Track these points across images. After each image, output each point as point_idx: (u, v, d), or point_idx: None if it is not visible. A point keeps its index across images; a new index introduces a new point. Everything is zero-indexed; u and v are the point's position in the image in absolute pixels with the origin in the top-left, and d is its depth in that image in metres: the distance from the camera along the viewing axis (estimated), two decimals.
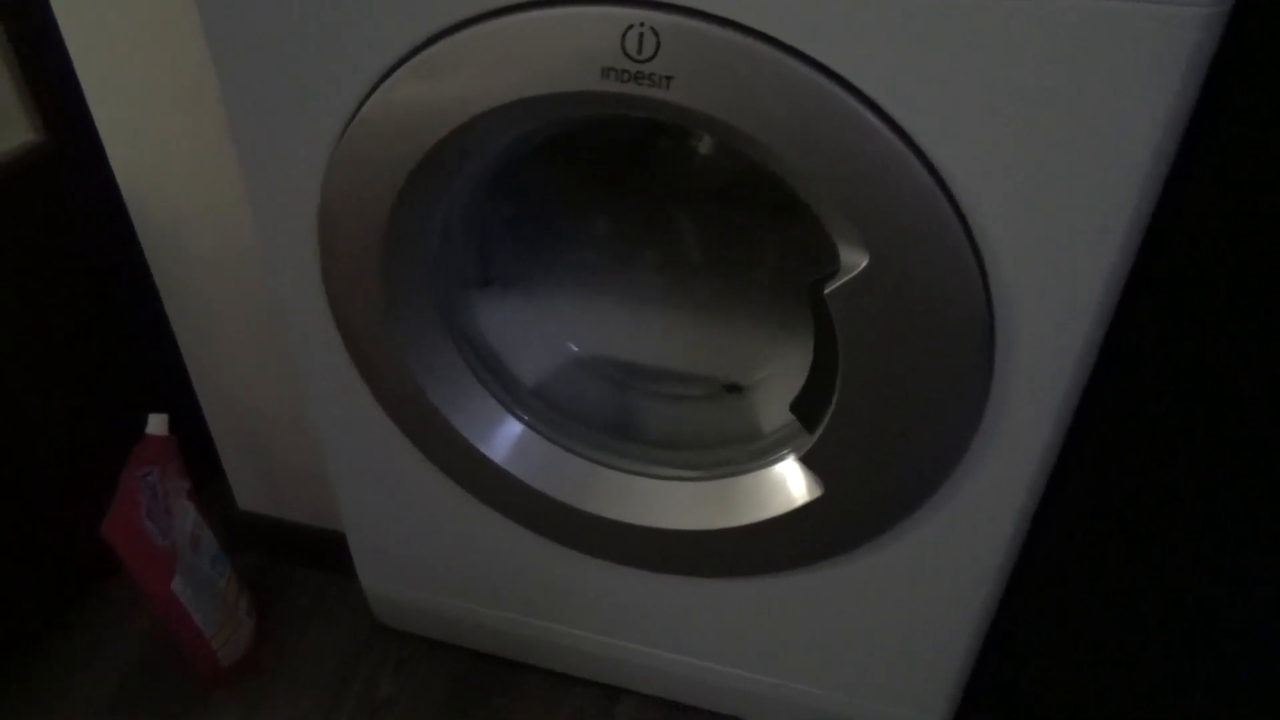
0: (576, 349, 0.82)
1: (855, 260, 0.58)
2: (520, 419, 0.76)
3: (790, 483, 0.70)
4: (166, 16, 0.76)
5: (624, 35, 0.54)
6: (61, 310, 0.97)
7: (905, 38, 0.50)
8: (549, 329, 0.81)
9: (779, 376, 0.77)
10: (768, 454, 0.72)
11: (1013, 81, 0.50)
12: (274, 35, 0.61)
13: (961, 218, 0.55)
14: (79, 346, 1.00)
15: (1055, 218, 0.54)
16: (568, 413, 0.78)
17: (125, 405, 1.02)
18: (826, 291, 0.59)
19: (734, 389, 0.80)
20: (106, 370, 1.04)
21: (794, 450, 0.70)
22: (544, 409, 0.78)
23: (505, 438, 0.76)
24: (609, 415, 0.80)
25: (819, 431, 0.66)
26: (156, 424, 0.91)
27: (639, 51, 0.54)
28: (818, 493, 0.69)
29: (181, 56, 0.78)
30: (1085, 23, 0.48)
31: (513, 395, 0.77)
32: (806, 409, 0.68)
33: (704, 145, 0.75)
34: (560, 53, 0.55)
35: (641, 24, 0.53)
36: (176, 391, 1.04)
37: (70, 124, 0.89)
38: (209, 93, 0.79)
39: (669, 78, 0.54)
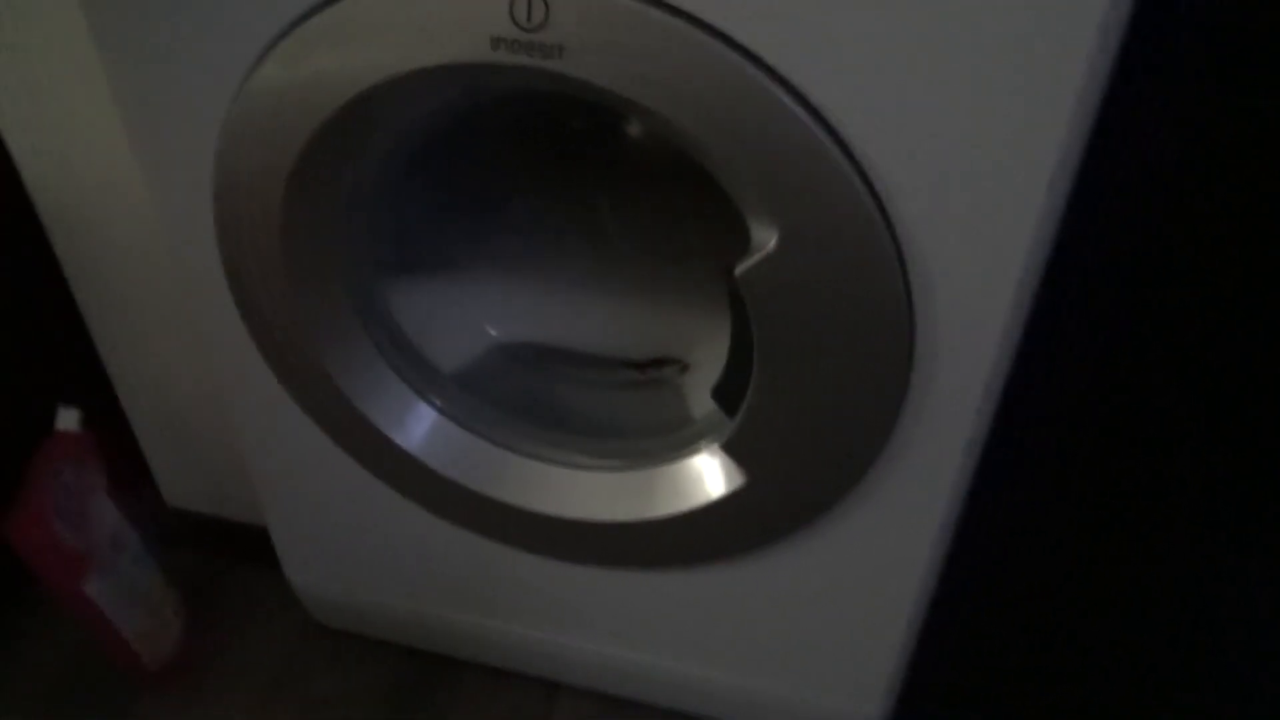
0: (495, 333, 0.79)
1: (765, 238, 0.55)
2: (434, 406, 0.74)
3: (711, 472, 0.68)
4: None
5: (512, 2, 0.51)
6: None
7: (811, 6, 0.47)
8: (467, 313, 0.78)
9: (704, 363, 0.75)
10: (689, 443, 0.70)
11: (922, 47, 0.48)
12: (155, 8, 0.58)
13: (873, 192, 0.52)
14: None
15: (971, 188, 0.51)
16: (486, 400, 0.76)
17: (42, 403, 0.98)
18: (737, 271, 0.56)
19: (654, 366, 0.78)
20: (19, 367, 1.00)
21: (716, 439, 0.68)
22: (460, 396, 0.75)
23: (418, 425, 0.73)
24: (529, 403, 0.77)
25: (738, 418, 0.64)
26: (66, 419, 0.87)
27: (528, 19, 0.51)
28: (740, 482, 0.66)
29: (76, 37, 0.75)
30: None
31: (427, 382, 0.74)
32: (727, 395, 0.66)
33: (628, 121, 0.73)
34: (449, 21, 0.53)
35: None
36: (100, 388, 1.00)
37: None
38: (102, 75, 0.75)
39: (560, 47, 0.51)
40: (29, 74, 0.78)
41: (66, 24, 0.74)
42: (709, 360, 0.72)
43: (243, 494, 1.03)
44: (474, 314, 0.79)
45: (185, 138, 0.63)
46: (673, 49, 0.50)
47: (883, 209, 0.53)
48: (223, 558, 1.10)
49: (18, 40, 0.76)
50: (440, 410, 0.74)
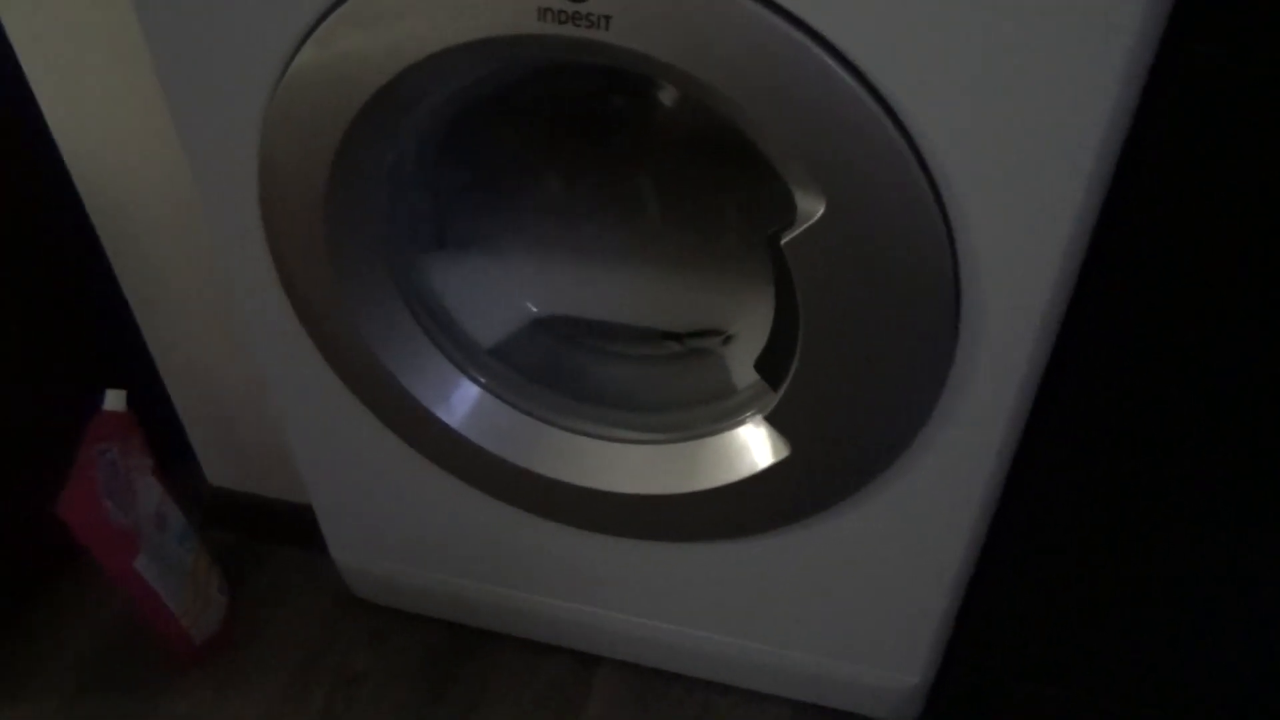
0: (535, 309, 0.79)
1: (812, 208, 0.55)
2: (477, 382, 0.74)
3: (756, 444, 0.68)
4: None
5: None
6: (11, 290, 0.95)
7: None
8: (507, 289, 0.79)
9: (746, 334, 0.75)
10: (733, 415, 0.70)
11: (970, 16, 0.47)
12: None
13: (921, 161, 0.52)
14: (33, 326, 0.98)
15: (1019, 159, 0.51)
16: (527, 375, 0.76)
17: (87, 385, 1.00)
18: (783, 241, 0.56)
19: (696, 337, 0.78)
20: (64, 350, 1.02)
21: (760, 410, 0.68)
22: (502, 371, 0.75)
23: (461, 401, 0.74)
24: (570, 377, 0.77)
25: (783, 390, 0.64)
26: (114, 400, 0.89)
27: None
28: (784, 453, 0.66)
29: (118, 26, 0.75)
30: None
31: (469, 358, 0.74)
32: (771, 367, 0.66)
33: (663, 95, 0.73)
34: None
35: None
36: (143, 369, 1.01)
37: (12, 105, 0.85)
38: (147, 58, 0.76)
39: (607, 17, 0.51)
40: (71, 61, 0.79)
41: (107, 8, 0.74)
42: (751, 330, 0.72)
43: (282, 473, 1.04)
44: (514, 290, 0.79)
45: (230, 121, 0.63)
46: (721, 17, 0.50)
47: (930, 177, 0.53)
48: (261, 536, 1.11)
49: (59, 25, 0.77)
50: (483, 386, 0.74)
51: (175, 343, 0.98)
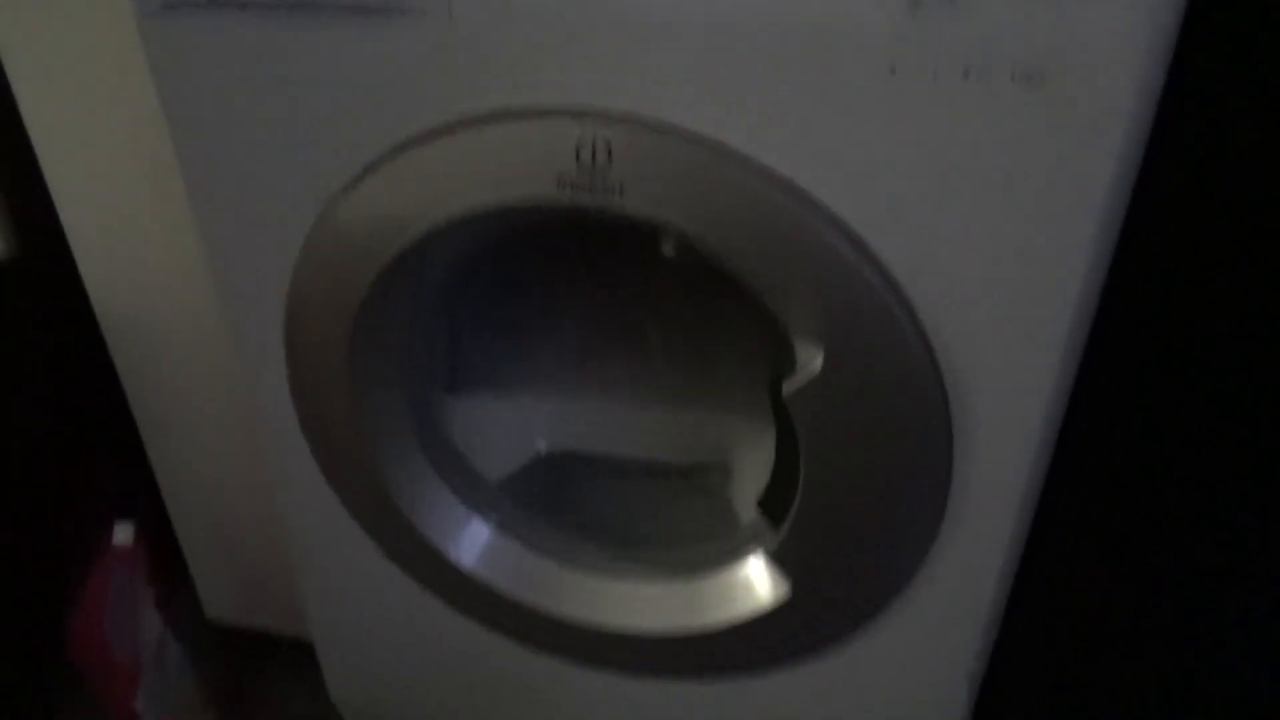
0: (543, 444, 0.82)
1: (811, 359, 0.58)
2: (486, 520, 0.76)
3: (759, 580, 0.70)
4: (136, 126, 0.78)
5: (577, 146, 0.55)
6: (26, 417, 0.97)
7: (850, 142, 0.52)
8: (515, 425, 0.81)
9: (748, 469, 0.77)
10: (736, 551, 0.72)
11: (953, 181, 0.52)
12: (241, 143, 0.62)
13: (914, 318, 0.56)
14: (44, 453, 1.00)
15: (1001, 305, 0.55)
16: (535, 512, 0.78)
17: (93, 510, 1.01)
18: (784, 391, 0.60)
19: (699, 472, 0.80)
20: (72, 475, 1.03)
21: (762, 547, 0.70)
22: (510, 508, 0.77)
23: (469, 539, 0.75)
24: (577, 513, 0.79)
25: (785, 527, 0.66)
26: (123, 534, 0.90)
27: (592, 161, 0.55)
28: (788, 590, 0.68)
29: (151, 164, 0.80)
30: (1018, 125, 0.49)
31: (479, 495, 0.76)
32: (773, 504, 0.68)
33: (671, 244, 0.77)
34: (517, 164, 0.57)
35: (594, 135, 0.55)
36: (144, 496, 1.02)
37: (40, 233, 0.90)
38: (178, 199, 0.80)
39: (621, 185, 0.56)
40: (98, 181, 0.83)
41: (137, 130, 0.79)
42: (753, 465, 0.75)
43: (280, 605, 1.04)
44: (522, 426, 0.82)
45: (262, 266, 0.67)
46: (727, 187, 0.54)
47: (922, 332, 0.56)
48: (257, 669, 1.10)
49: (95, 154, 0.81)
50: (491, 524, 0.76)
51: (183, 470, 0.99)
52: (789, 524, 0.66)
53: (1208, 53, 0.50)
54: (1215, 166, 0.53)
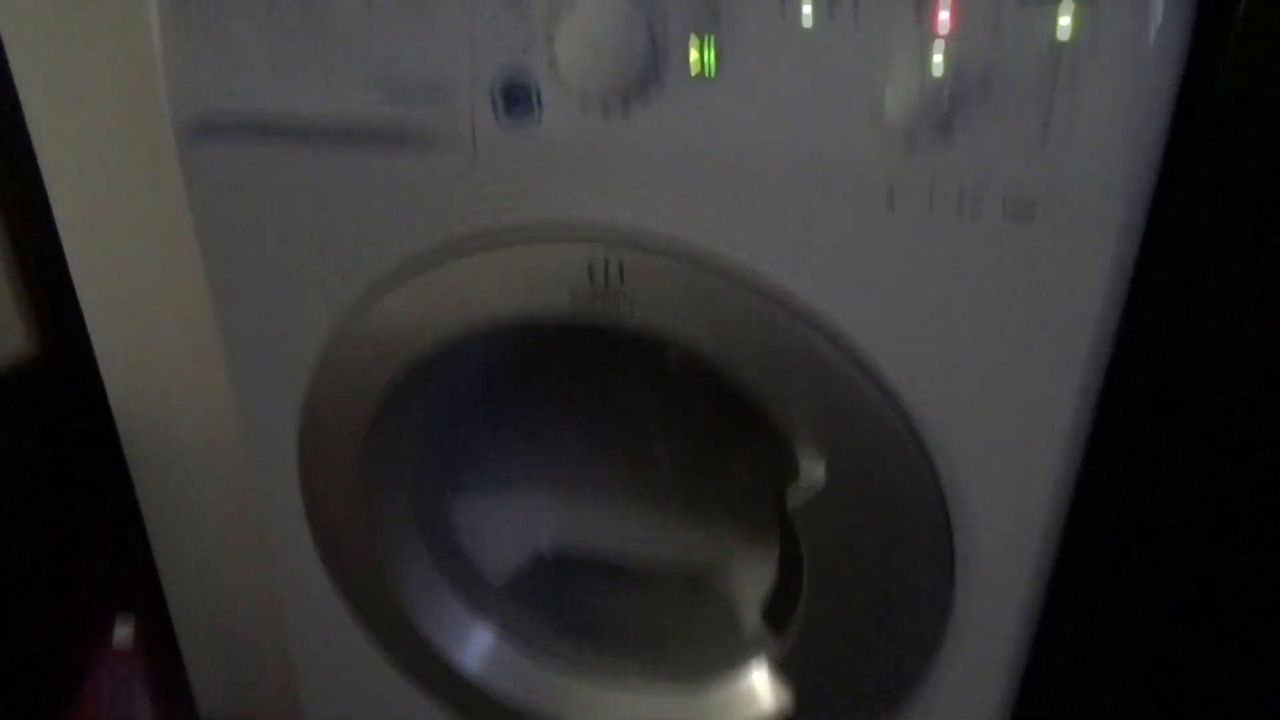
0: (548, 546, 0.83)
1: (815, 472, 0.60)
2: (489, 624, 0.76)
3: (763, 690, 0.70)
4: (164, 232, 0.81)
5: (590, 265, 0.58)
6: (37, 508, 0.98)
7: (850, 262, 0.55)
8: (520, 526, 0.82)
9: (750, 578, 0.78)
10: (739, 659, 0.72)
11: (950, 301, 0.54)
12: (265, 255, 0.65)
13: (912, 429, 0.58)
14: (50, 544, 1.00)
15: (1000, 422, 0.57)
16: (538, 615, 0.78)
17: (94, 601, 1.01)
18: (788, 503, 0.61)
19: (704, 579, 0.81)
20: (76, 567, 1.03)
21: (765, 656, 0.70)
22: (514, 611, 0.78)
23: (475, 645, 0.75)
24: (582, 619, 0.79)
25: (789, 638, 0.66)
26: (122, 632, 0.90)
27: (605, 279, 0.58)
28: (791, 701, 0.68)
29: (177, 270, 0.83)
30: (1011, 250, 0.52)
31: (482, 598, 0.77)
32: (775, 613, 0.69)
33: (679, 355, 0.79)
34: (534, 280, 0.60)
35: (607, 254, 0.58)
36: (145, 589, 1.02)
37: (64, 331, 0.92)
38: (201, 304, 0.83)
39: (633, 301, 0.58)
40: (124, 284, 0.85)
41: (164, 236, 0.82)
42: (756, 573, 0.76)
43: (274, 704, 1.03)
44: (527, 527, 0.83)
45: (280, 370, 0.69)
46: (736, 306, 0.57)
47: (921, 444, 0.58)
48: None
49: (117, 248, 0.84)
50: (494, 628, 0.76)
51: (187, 567, 1.00)
52: (793, 633, 0.66)
53: (1191, 184, 0.53)
54: (1200, 287, 0.56)
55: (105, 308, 0.87)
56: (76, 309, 0.88)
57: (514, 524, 0.83)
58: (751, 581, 0.77)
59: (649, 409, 0.81)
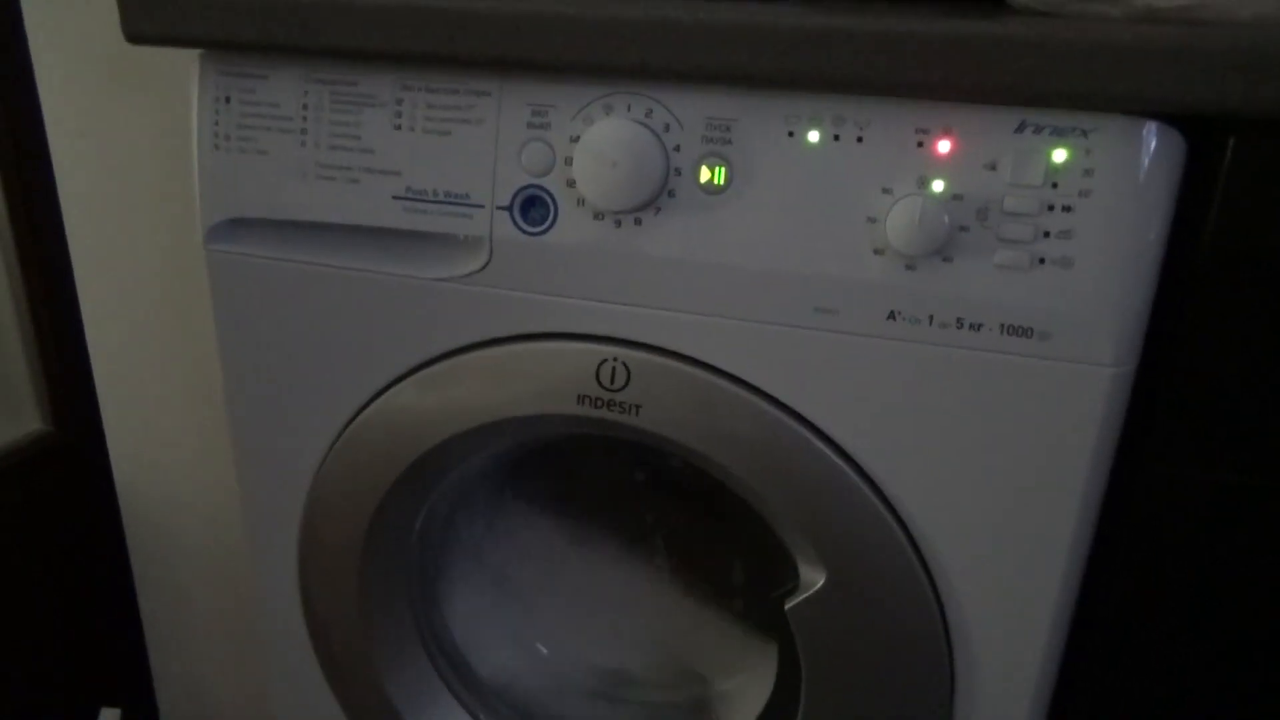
0: (546, 651, 0.82)
1: (814, 577, 0.60)
2: None
3: None
4: (183, 328, 0.83)
5: (598, 368, 0.59)
6: (33, 595, 0.97)
7: (852, 379, 0.56)
8: (520, 629, 0.82)
9: (752, 682, 0.77)
10: None
11: (949, 420, 0.55)
12: (280, 353, 0.67)
13: (911, 538, 0.58)
14: (46, 633, 0.99)
15: (998, 535, 0.57)
16: None
17: (85, 697, 0.99)
18: (787, 607, 0.61)
19: (699, 687, 0.79)
20: (69, 658, 1.02)
21: None
22: (509, 715, 0.76)
23: None
24: None
25: None
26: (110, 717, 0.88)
27: (611, 382, 0.59)
28: None
29: (192, 363, 0.84)
30: (1008, 374, 0.54)
31: (479, 701, 0.76)
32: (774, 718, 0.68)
33: (681, 462, 0.80)
34: (542, 380, 0.61)
35: (614, 359, 0.59)
36: (136, 687, 1.01)
37: (77, 417, 0.93)
38: (213, 396, 0.84)
39: (638, 406, 0.59)
40: (141, 388, 0.87)
41: (183, 328, 0.83)
42: (756, 681, 0.75)
43: None
44: (527, 631, 0.82)
45: (286, 468, 0.70)
46: (739, 414, 0.58)
47: (922, 557, 0.58)
48: None
49: (137, 339, 0.86)
50: None
51: (178, 667, 0.98)
52: None
53: (1189, 306, 0.54)
54: (1199, 412, 0.57)
55: (121, 401, 0.89)
56: (93, 401, 0.89)
57: (514, 628, 0.82)
58: (756, 690, 0.76)
59: (650, 513, 0.81)
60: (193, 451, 0.87)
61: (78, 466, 0.95)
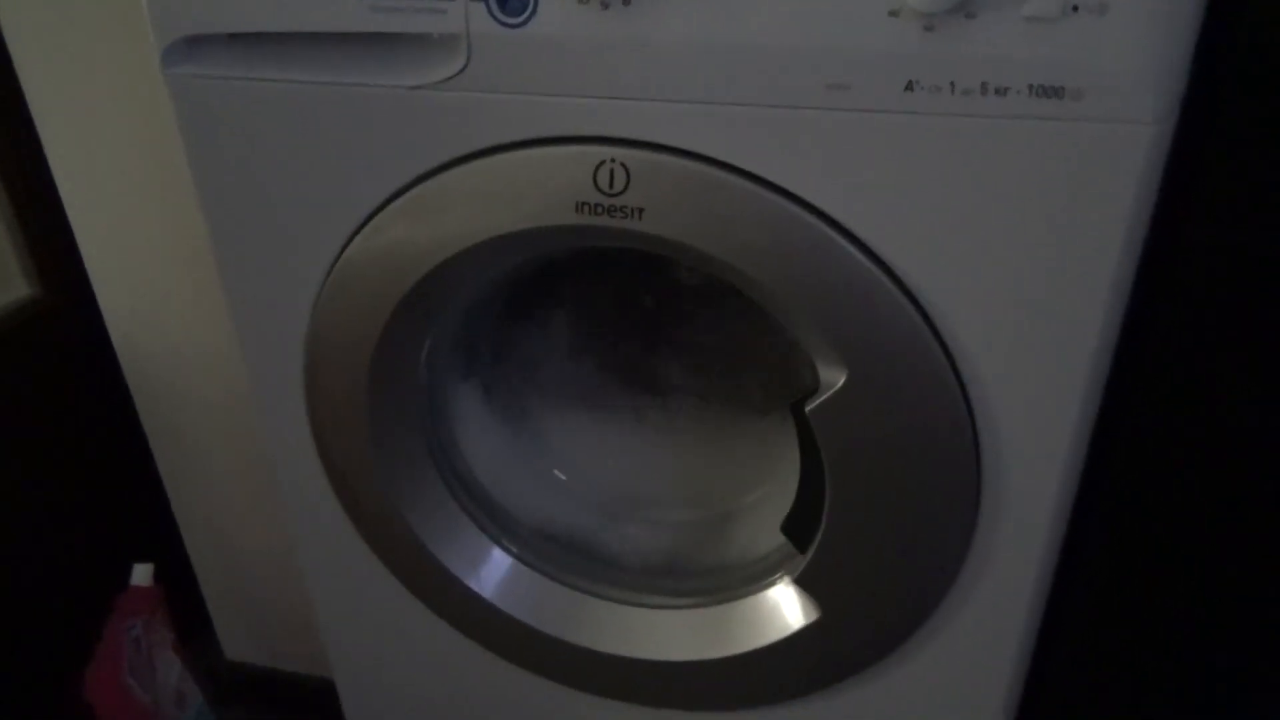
0: (564, 477, 0.81)
1: (834, 378, 0.58)
2: (507, 551, 0.75)
3: (786, 607, 0.69)
4: (158, 171, 0.79)
5: (595, 171, 0.56)
6: (49, 461, 0.97)
7: (868, 162, 0.52)
8: (535, 457, 0.81)
9: (772, 497, 0.77)
10: (762, 578, 0.71)
11: (973, 199, 0.52)
12: (261, 185, 0.63)
13: (934, 329, 0.56)
14: (65, 496, 1.00)
15: (1026, 322, 0.55)
16: (558, 544, 0.77)
17: (112, 555, 1.00)
18: (808, 409, 0.59)
19: (729, 499, 0.79)
20: (93, 520, 1.03)
21: (788, 573, 0.69)
22: (533, 540, 0.77)
23: (493, 572, 0.75)
24: (600, 544, 0.78)
25: (811, 552, 0.65)
26: (142, 574, 0.90)
27: (610, 186, 0.56)
28: (814, 616, 0.67)
29: (173, 208, 0.81)
30: (1037, 141, 0.50)
31: (501, 527, 0.76)
32: (797, 530, 0.68)
33: (691, 269, 0.77)
34: (537, 190, 0.57)
35: (612, 160, 0.55)
36: (163, 539, 1.02)
37: (65, 278, 0.91)
38: (199, 241, 0.81)
39: (640, 209, 0.56)
40: (121, 225, 0.84)
41: (160, 175, 0.80)
42: (778, 493, 0.74)
43: (302, 647, 1.04)
44: (542, 457, 0.81)
45: (282, 304, 0.68)
46: (743, 209, 0.54)
47: (945, 348, 0.56)
48: (280, 712, 1.09)
49: (113, 188, 0.82)
50: (514, 555, 0.75)
51: (203, 514, 0.99)
52: (814, 548, 0.65)
53: (1231, 60, 0.50)
54: (1245, 170, 0.53)
55: (106, 256, 0.85)
56: (78, 257, 0.86)
57: (531, 454, 0.81)
58: (774, 503, 0.76)
59: (664, 327, 0.79)
60: (186, 302, 0.85)
61: (73, 328, 0.93)
